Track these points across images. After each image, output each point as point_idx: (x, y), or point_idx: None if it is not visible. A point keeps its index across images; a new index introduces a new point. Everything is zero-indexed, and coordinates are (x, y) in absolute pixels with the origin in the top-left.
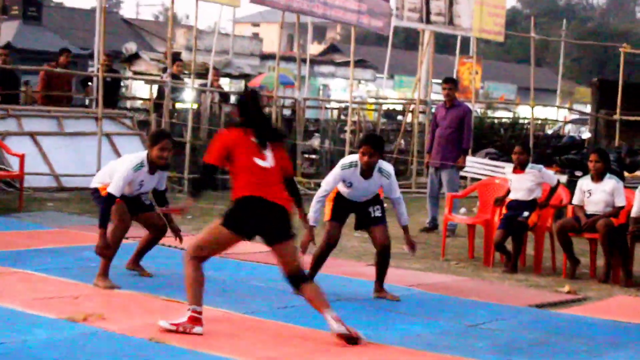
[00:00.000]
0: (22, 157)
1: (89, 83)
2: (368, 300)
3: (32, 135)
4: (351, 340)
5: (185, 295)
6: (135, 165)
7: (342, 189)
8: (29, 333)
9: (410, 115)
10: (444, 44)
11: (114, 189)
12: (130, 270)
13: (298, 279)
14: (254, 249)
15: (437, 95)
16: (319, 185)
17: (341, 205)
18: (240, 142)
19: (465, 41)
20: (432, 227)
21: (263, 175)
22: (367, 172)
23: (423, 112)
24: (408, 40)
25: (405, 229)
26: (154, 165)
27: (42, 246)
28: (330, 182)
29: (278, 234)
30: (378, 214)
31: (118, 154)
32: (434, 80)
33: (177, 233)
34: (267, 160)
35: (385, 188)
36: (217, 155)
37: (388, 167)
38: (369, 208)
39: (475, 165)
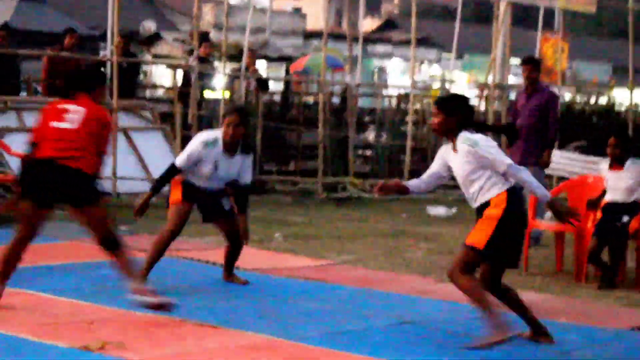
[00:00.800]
0: (23, 158)
1: (101, 69)
2: (438, 322)
3: None
4: (160, 307)
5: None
6: (206, 140)
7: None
8: None
9: (483, 102)
10: (524, 17)
11: (178, 159)
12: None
13: (110, 243)
14: (300, 263)
15: (516, 78)
16: (374, 186)
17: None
18: (47, 110)
19: (549, 13)
20: None
21: (58, 136)
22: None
23: (499, 98)
24: (480, 12)
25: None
26: (228, 145)
27: (50, 262)
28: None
29: (76, 199)
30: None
31: (137, 152)
32: (512, 61)
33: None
34: (67, 122)
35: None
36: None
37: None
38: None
39: (563, 161)
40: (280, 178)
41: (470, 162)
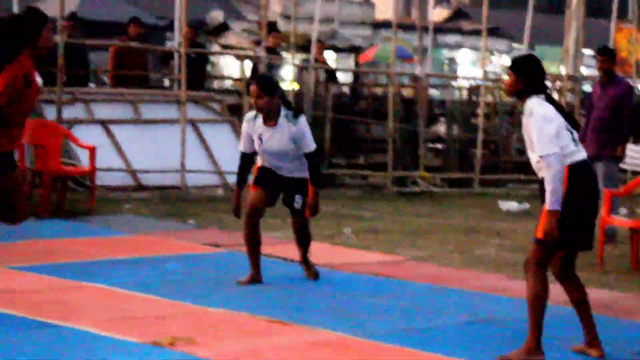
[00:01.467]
0: (92, 150)
1: (169, 60)
2: (511, 321)
3: (104, 123)
4: None
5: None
6: (248, 117)
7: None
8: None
9: (556, 94)
10: (597, 7)
11: (239, 144)
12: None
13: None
14: (371, 258)
15: (589, 69)
16: (445, 180)
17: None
18: None
19: (623, 3)
20: None
21: None
22: (266, 118)
23: (572, 90)
24: (552, 2)
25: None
26: (264, 116)
27: (118, 256)
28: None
29: None
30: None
31: (205, 144)
32: (585, 51)
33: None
34: None
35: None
36: None
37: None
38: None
39: (638, 155)
40: (350, 172)
41: (527, 129)
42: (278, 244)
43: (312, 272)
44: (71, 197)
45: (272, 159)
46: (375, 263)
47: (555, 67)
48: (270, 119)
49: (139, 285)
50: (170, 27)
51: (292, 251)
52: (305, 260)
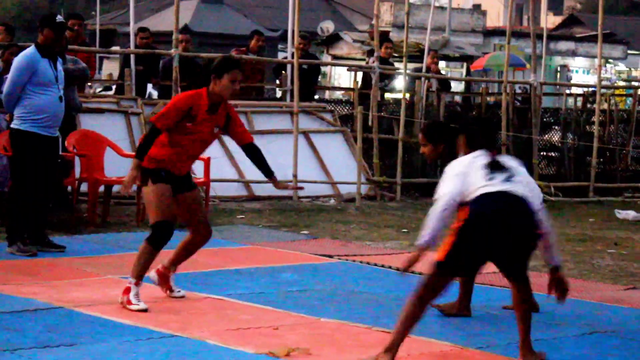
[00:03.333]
0: (207, 161)
1: (282, 71)
2: (631, 332)
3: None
4: None
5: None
6: None
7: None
8: None
9: None
10: None
11: None
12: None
13: None
14: (487, 268)
15: None
16: (559, 189)
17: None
18: None
19: None
20: None
21: None
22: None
23: None
24: None
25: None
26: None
27: (233, 267)
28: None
29: None
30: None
31: (317, 155)
32: None
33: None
34: None
35: None
36: None
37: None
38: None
39: None
40: None
41: None
42: (389, 254)
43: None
44: None
45: None
46: (490, 273)
47: None
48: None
49: (254, 296)
50: (282, 38)
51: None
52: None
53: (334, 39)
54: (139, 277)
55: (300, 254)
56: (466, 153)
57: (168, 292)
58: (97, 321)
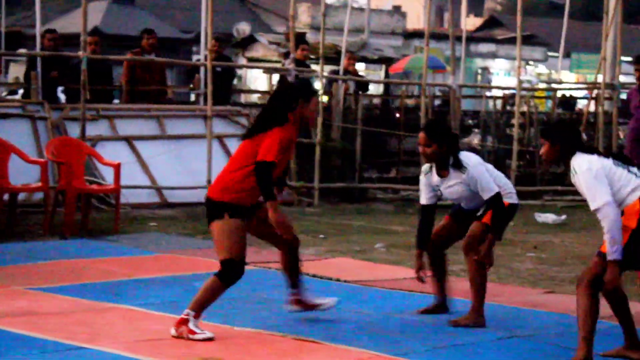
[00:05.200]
0: (117, 167)
1: (195, 74)
2: (549, 336)
3: (129, 139)
4: None
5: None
6: (424, 169)
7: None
8: None
9: (593, 102)
10: (635, 12)
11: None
12: None
13: None
14: (404, 274)
15: (627, 76)
16: None
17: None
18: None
19: None
20: None
21: None
22: (438, 168)
23: (609, 99)
24: (588, 8)
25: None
26: (436, 165)
27: (144, 275)
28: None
29: None
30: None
31: None
32: (623, 58)
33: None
34: None
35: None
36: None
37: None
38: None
39: None
40: (381, 186)
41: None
42: (306, 260)
43: None
44: (96, 216)
45: (461, 203)
46: (409, 279)
47: (592, 74)
48: (442, 168)
49: (167, 305)
50: (196, 40)
51: (321, 268)
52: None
53: (249, 41)
54: (200, 311)
55: (214, 261)
56: (563, 160)
57: (318, 307)
58: (2, 335)
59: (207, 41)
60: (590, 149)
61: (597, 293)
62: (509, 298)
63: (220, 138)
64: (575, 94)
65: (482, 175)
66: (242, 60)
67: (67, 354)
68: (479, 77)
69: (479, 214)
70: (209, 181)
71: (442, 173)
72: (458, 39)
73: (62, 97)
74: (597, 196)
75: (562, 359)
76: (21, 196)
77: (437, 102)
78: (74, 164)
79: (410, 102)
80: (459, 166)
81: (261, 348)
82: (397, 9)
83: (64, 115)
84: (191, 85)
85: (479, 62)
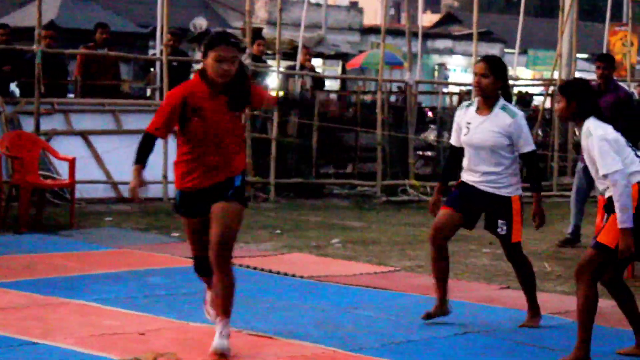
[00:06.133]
0: (72, 162)
1: (151, 69)
2: (504, 332)
3: (84, 134)
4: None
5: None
6: (462, 105)
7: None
8: None
9: (549, 99)
10: (591, 9)
11: None
12: None
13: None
14: (360, 269)
15: (583, 73)
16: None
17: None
18: None
19: (618, 4)
20: (575, 238)
21: None
22: (483, 103)
23: None
24: (544, 5)
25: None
26: (481, 100)
27: (99, 270)
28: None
29: None
30: (502, 232)
31: None
32: (579, 55)
33: None
34: None
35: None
36: None
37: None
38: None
39: None
40: (338, 181)
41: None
42: (262, 256)
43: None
44: (50, 210)
45: (474, 159)
46: (365, 274)
47: (548, 71)
48: (486, 106)
49: (121, 301)
50: (152, 34)
51: (277, 263)
52: (532, 305)
53: (206, 36)
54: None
55: (169, 256)
56: (575, 120)
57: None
58: None
59: (163, 35)
60: (606, 119)
61: (597, 287)
62: (464, 293)
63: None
64: (531, 90)
65: (527, 128)
66: (199, 55)
67: (19, 350)
68: (436, 74)
69: (502, 232)
70: (164, 176)
71: (483, 111)
72: (415, 35)
73: (16, 91)
74: (610, 162)
75: (517, 355)
76: None
77: (393, 98)
78: (28, 158)
79: (366, 97)
80: (510, 110)
81: None
82: (353, 4)
83: (18, 109)
84: (146, 80)
85: (436, 59)
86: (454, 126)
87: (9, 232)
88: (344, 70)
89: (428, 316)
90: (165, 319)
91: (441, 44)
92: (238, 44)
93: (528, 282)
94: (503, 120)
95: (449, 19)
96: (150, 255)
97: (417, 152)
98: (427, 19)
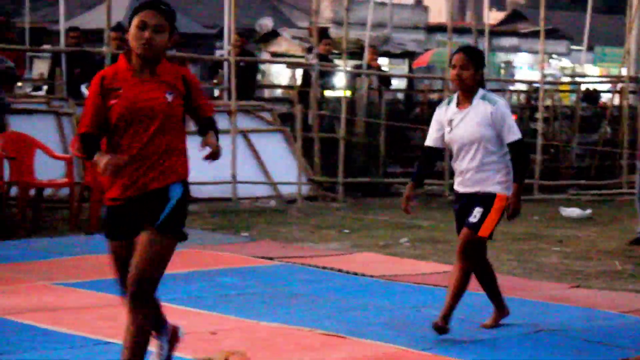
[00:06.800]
0: None
1: (219, 70)
2: (575, 331)
3: None
4: None
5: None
6: (441, 103)
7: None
8: None
9: (617, 96)
10: None
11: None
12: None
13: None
14: (429, 268)
15: None
16: None
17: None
18: None
19: None
20: None
21: None
22: (462, 97)
23: (634, 92)
24: (610, 1)
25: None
26: (461, 94)
27: (170, 271)
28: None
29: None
30: (473, 219)
31: (256, 155)
32: None
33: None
34: None
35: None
36: None
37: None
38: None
39: None
40: (405, 180)
41: None
42: (331, 256)
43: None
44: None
45: (461, 157)
46: (434, 273)
47: (616, 68)
48: (467, 99)
49: (192, 300)
50: (219, 35)
51: (346, 263)
52: (494, 299)
53: (272, 36)
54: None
55: (239, 256)
56: None
57: None
58: (29, 329)
59: (230, 36)
60: None
61: None
62: (535, 293)
63: (244, 133)
64: (599, 87)
65: (510, 117)
66: (265, 55)
67: (93, 349)
68: (502, 71)
69: (473, 219)
70: (233, 176)
71: (464, 105)
72: (481, 32)
73: (86, 92)
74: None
75: (588, 353)
76: (47, 192)
77: None
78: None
79: (433, 96)
80: (490, 98)
81: (286, 343)
82: (419, 3)
83: None
84: (215, 81)
85: (502, 56)
86: (432, 125)
87: (80, 232)
88: (410, 69)
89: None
90: (235, 318)
91: (507, 41)
92: (171, 13)
93: (488, 280)
94: (484, 109)
95: (515, 16)
96: (219, 255)
97: None
98: (492, 17)
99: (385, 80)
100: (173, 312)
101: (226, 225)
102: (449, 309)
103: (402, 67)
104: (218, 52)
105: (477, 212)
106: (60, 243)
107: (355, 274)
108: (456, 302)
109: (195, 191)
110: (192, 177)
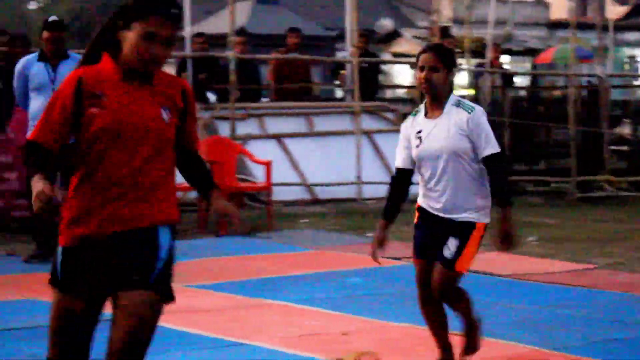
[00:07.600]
0: (268, 165)
1: (341, 71)
2: None
3: (278, 137)
4: None
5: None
6: (407, 118)
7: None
8: None
9: None
10: None
11: None
12: None
13: None
14: (557, 267)
15: None
16: (632, 184)
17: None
18: None
19: None
20: None
21: None
22: (431, 104)
23: None
24: None
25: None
26: (430, 99)
27: (299, 272)
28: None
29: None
30: (448, 254)
31: (380, 155)
32: None
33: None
34: None
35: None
36: None
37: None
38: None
39: None
40: (531, 178)
41: None
42: None
43: None
44: (247, 213)
45: (432, 174)
46: (563, 272)
47: None
48: (437, 106)
49: (321, 301)
50: (339, 37)
51: (476, 261)
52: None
53: (392, 37)
54: None
55: (366, 257)
56: None
57: None
58: (161, 331)
59: (352, 38)
60: None
61: None
62: None
63: (368, 133)
64: None
65: (487, 126)
66: (387, 56)
67: (226, 350)
68: (627, 67)
69: (448, 254)
70: (358, 177)
71: (434, 113)
72: (604, 27)
73: (212, 97)
74: None
75: None
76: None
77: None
78: (226, 162)
79: (557, 93)
80: (465, 104)
81: (416, 344)
82: None
83: (214, 114)
84: (338, 82)
85: (627, 51)
86: (400, 143)
87: (209, 235)
88: (533, 66)
89: None
90: (365, 319)
91: (631, 36)
92: (179, 17)
93: (468, 320)
94: (458, 117)
95: (638, 9)
96: (347, 255)
97: (611, 147)
98: (615, 11)
99: (508, 78)
100: (303, 313)
101: (352, 226)
102: (445, 340)
103: (524, 64)
104: (339, 54)
105: (452, 244)
106: (190, 245)
107: (484, 273)
108: (447, 332)
109: (320, 193)
110: (317, 178)
